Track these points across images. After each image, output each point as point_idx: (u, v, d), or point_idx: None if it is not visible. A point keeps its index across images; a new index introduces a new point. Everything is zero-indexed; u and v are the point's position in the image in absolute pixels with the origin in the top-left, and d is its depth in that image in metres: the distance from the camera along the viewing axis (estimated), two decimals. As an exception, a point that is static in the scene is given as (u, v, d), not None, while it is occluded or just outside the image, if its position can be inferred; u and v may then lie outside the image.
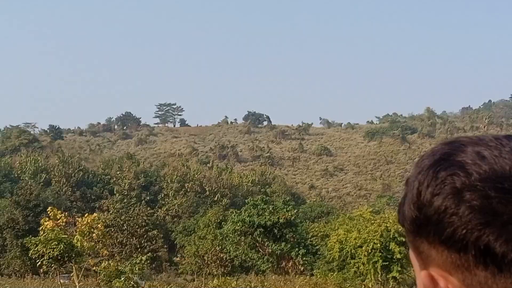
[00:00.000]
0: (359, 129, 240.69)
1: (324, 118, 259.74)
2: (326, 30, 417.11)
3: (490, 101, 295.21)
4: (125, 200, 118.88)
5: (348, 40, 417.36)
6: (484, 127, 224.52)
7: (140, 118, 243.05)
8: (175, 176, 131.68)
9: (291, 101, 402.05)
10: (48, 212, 73.22)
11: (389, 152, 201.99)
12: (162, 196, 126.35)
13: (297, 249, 68.45)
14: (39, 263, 48.60)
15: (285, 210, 69.64)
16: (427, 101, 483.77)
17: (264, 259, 69.54)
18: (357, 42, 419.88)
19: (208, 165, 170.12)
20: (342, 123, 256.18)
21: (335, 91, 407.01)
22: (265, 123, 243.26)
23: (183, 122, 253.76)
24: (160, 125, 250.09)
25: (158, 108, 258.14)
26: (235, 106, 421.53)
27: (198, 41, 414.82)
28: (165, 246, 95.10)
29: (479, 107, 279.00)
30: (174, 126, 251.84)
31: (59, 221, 71.22)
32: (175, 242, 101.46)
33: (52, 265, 49.28)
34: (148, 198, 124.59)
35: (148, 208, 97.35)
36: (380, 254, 50.52)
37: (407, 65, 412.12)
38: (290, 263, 68.50)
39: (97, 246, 71.99)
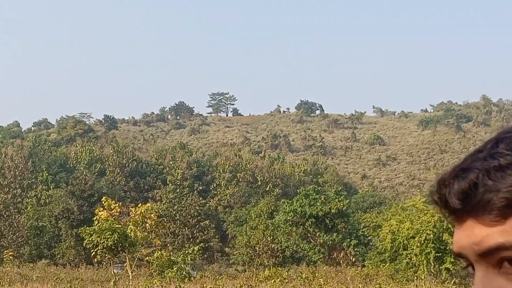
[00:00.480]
0: (413, 117, 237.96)
1: (377, 106, 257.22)
2: (379, 18, 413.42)
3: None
4: (178, 190, 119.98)
5: (402, 27, 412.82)
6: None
7: (193, 107, 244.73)
8: (227, 166, 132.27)
9: (344, 90, 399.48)
10: (103, 202, 74.38)
11: (443, 141, 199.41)
12: (214, 186, 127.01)
13: (348, 239, 68.27)
14: (93, 253, 49.42)
15: (337, 200, 69.51)
16: (483, 88, 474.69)
17: (316, 249, 69.54)
18: (410, 28, 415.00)
19: (260, 154, 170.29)
20: (395, 112, 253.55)
21: (389, 79, 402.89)
22: (317, 112, 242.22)
23: (235, 112, 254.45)
24: (213, 114, 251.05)
25: (211, 97, 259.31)
26: (288, 95, 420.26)
27: (250, 30, 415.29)
28: (217, 237, 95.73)
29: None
30: (227, 115, 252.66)
31: (113, 211, 72.31)
32: (226, 233, 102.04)
33: (106, 255, 50.04)
34: (200, 188, 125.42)
35: (200, 198, 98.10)
36: (433, 245, 50.07)
37: (462, 51, 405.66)
38: (341, 254, 68.39)
39: (150, 236, 72.92)
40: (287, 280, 42.77)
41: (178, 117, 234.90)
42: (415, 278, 48.12)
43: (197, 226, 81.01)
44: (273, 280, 41.66)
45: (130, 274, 49.33)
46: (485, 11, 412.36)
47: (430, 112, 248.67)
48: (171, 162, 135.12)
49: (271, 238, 70.64)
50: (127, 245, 50.40)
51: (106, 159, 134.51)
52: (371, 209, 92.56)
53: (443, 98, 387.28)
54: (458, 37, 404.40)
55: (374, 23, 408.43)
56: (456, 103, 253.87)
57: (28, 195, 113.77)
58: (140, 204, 76.12)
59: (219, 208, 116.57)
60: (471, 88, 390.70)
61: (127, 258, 52.17)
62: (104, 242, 47.55)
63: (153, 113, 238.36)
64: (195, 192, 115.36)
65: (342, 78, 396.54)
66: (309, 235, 70.33)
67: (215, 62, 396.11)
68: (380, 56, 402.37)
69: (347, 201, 72.28)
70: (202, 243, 68.50)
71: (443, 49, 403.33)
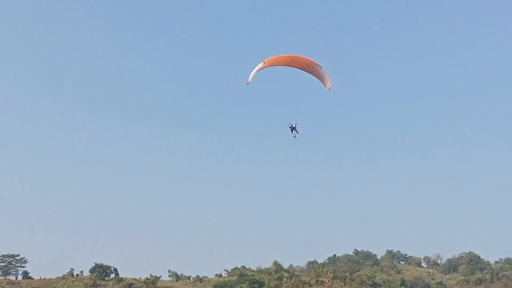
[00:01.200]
0: (207, 282, 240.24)
1: (172, 270, 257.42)
2: (170, 189, 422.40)
3: (335, 255, 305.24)
4: None
5: (194, 194, 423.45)
6: (329, 281, 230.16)
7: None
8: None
9: (139, 254, 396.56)
10: None
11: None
12: None
13: None
14: None
15: None
16: (275, 254, 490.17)
17: None
18: (203, 195, 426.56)
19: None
20: (191, 276, 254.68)
21: (184, 244, 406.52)
22: (112, 275, 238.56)
23: (26, 275, 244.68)
24: (1, 277, 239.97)
25: (0, 259, 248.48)
26: (82, 257, 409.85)
27: (40, 184, 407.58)
28: None
29: (325, 261, 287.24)
30: (16, 278, 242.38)
31: None
32: None
33: None
34: None
35: None
36: None
37: (256, 220, 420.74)
38: None
39: None
40: None
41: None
42: None
43: None
44: None
45: None
46: (277, 178, 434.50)
47: (225, 277, 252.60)
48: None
49: None
50: None
51: None
52: None
53: (237, 263, 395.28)
54: (249, 203, 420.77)
55: (164, 192, 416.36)
56: (250, 268, 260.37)
57: None
58: None
59: None
60: (263, 253, 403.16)
61: None
62: None
63: None
64: None
65: (137, 242, 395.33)
66: None
67: (5, 222, 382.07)
68: (174, 222, 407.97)
69: None
70: None
71: (234, 216, 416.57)
